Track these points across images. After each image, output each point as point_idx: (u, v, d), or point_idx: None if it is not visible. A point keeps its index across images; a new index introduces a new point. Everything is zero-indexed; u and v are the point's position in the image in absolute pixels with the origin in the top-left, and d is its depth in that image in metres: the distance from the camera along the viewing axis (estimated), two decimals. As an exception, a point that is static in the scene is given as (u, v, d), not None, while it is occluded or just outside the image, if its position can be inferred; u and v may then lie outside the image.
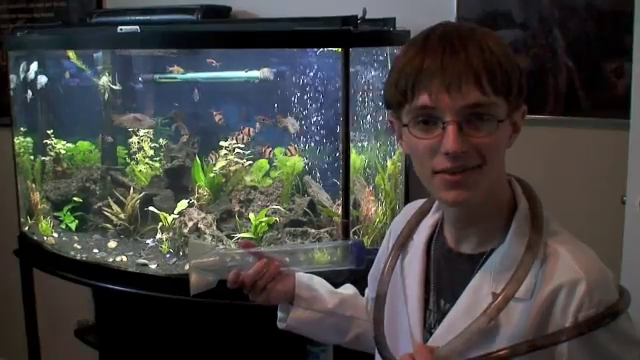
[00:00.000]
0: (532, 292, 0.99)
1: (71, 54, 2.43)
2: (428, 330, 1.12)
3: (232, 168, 2.25)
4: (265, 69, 2.17)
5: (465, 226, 1.10)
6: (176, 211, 2.24)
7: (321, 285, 1.38)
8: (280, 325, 1.36)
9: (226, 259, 1.29)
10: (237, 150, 2.23)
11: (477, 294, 1.05)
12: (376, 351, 1.19)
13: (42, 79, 2.48)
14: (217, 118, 2.29)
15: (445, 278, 1.13)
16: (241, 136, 2.22)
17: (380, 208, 2.18)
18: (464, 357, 1.00)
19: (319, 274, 1.39)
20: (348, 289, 1.43)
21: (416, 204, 1.27)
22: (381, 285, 1.22)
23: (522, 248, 1.02)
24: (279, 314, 1.36)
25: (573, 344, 0.97)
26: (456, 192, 1.00)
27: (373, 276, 1.33)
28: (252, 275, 1.26)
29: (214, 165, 2.25)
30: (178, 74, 2.32)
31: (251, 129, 2.22)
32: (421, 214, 1.23)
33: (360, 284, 1.42)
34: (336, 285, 1.43)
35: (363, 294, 1.42)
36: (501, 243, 1.06)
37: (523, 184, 1.11)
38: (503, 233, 1.06)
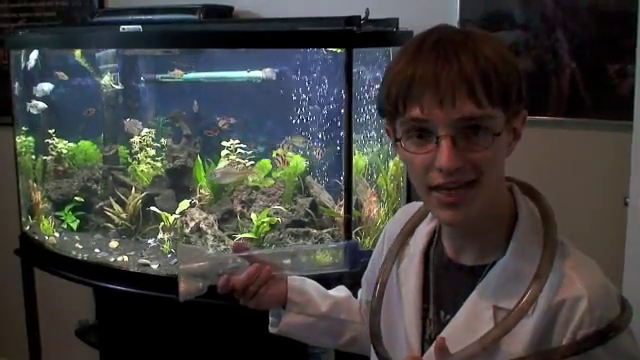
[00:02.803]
0: (533, 308, 0.97)
1: (73, 53, 2.42)
2: (428, 341, 1.10)
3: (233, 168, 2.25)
4: (267, 69, 2.17)
5: (463, 238, 1.08)
6: (178, 211, 2.24)
7: (314, 288, 1.34)
8: (272, 330, 1.34)
9: (216, 264, 1.25)
10: (239, 150, 2.23)
11: (477, 307, 1.03)
12: (372, 349, 1.18)
13: (45, 86, 2.48)
14: (221, 123, 2.29)
15: (445, 289, 1.11)
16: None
17: (382, 209, 2.17)
18: None
19: (313, 277, 1.37)
20: (341, 291, 1.40)
21: (412, 208, 1.24)
22: (379, 286, 1.20)
23: (525, 261, 1.00)
24: (270, 319, 1.34)
25: None
26: (452, 212, 0.98)
27: (367, 279, 1.32)
28: (243, 280, 1.21)
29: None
30: (180, 77, 2.31)
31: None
32: (419, 218, 1.20)
33: (355, 288, 1.41)
34: (329, 287, 1.41)
35: (356, 296, 1.40)
36: (502, 255, 1.04)
37: (540, 201, 1.08)
38: (504, 244, 1.04)
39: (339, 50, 1.92)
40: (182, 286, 1.23)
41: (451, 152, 0.93)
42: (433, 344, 1.00)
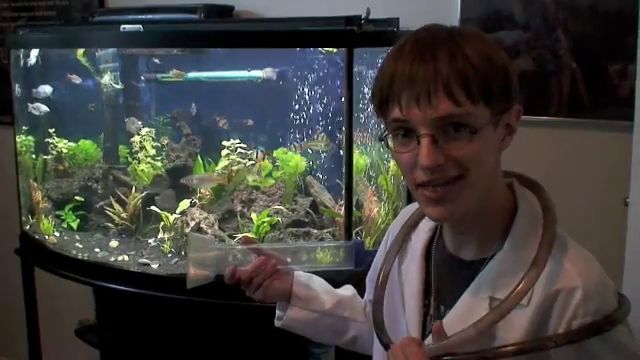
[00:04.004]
0: (529, 298, 0.98)
1: (75, 52, 2.42)
2: (428, 335, 1.10)
3: (234, 168, 2.25)
4: (268, 69, 2.17)
5: (462, 233, 1.09)
6: (178, 211, 2.24)
7: (320, 285, 1.36)
8: (277, 323, 1.36)
9: (224, 254, 1.28)
10: (239, 150, 2.23)
11: (474, 298, 1.04)
12: (374, 337, 1.18)
13: (47, 88, 2.47)
14: (221, 123, 2.29)
15: (446, 284, 1.12)
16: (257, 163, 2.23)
17: (382, 208, 2.17)
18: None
19: (318, 273, 1.38)
20: (347, 290, 1.42)
21: (414, 206, 1.25)
22: (382, 277, 1.21)
23: (523, 253, 1.01)
24: (277, 312, 1.36)
25: (565, 351, 0.96)
26: (438, 208, 0.99)
27: (371, 279, 1.32)
28: (249, 271, 1.25)
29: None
30: (179, 77, 2.31)
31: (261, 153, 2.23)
32: (419, 216, 1.21)
33: (360, 286, 1.41)
34: (336, 285, 1.42)
35: (362, 296, 1.41)
36: (501, 248, 1.04)
37: (541, 194, 1.08)
38: (503, 238, 1.05)
39: (336, 50, 1.92)
40: (190, 273, 1.26)
41: (430, 150, 0.95)
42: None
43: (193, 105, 2.37)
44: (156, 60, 2.40)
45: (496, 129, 1.00)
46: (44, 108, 2.49)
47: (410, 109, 0.95)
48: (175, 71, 2.31)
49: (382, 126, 1.07)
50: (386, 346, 1.11)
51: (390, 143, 1.01)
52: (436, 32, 1.00)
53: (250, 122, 2.28)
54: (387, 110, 0.99)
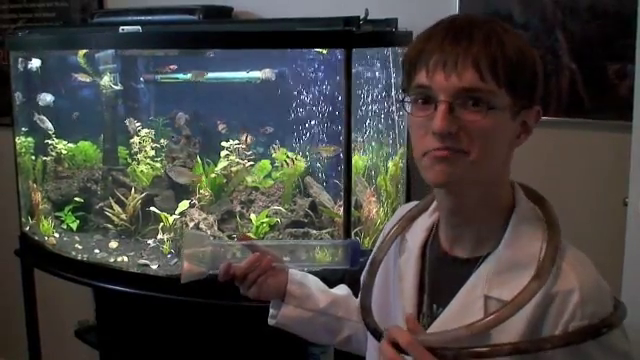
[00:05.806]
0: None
1: (75, 53, 2.42)
2: None
3: (233, 169, 2.25)
4: (267, 69, 2.17)
5: (460, 225, 1.09)
6: (177, 211, 2.24)
7: (314, 283, 1.36)
8: (270, 322, 1.35)
9: (219, 250, 1.28)
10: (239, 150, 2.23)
11: (469, 297, 1.04)
12: (368, 335, 1.18)
13: (48, 97, 2.48)
14: (220, 127, 2.29)
15: (440, 282, 1.12)
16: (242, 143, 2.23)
17: (382, 209, 2.17)
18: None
19: (313, 272, 1.38)
20: (342, 290, 1.42)
21: (409, 206, 1.26)
22: (373, 264, 1.21)
23: (520, 254, 1.02)
24: (270, 310, 1.35)
25: (560, 353, 0.96)
26: (440, 166, 0.99)
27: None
28: (243, 268, 1.24)
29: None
30: (201, 77, 2.30)
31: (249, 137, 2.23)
32: (417, 212, 1.22)
33: (355, 286, 1.41)
34: (330, 285, 1.42)
35: (356, 296, 1.40)
36: (497, 247, 1.05)
37: (546, 207, 1.08)
38: (500, 237, 1.05)
39: (338, 50, 1.92)
40: (185, 268, 1.25)
41: (445, 116, 0.96)
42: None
43: (180, 114, 2.37)
44: (163, 68, 2.40)
45: (514, 121, 1.01)
46: (49, 124, 2.49)
47: (436, 73, 0.97)
48: (201, 72, 2.29)
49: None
50: (373, 330, 1.12)
51: (408, 108, 1.03)
52: (473, 19, 1.02)
53: (270, 130, 2.27)
54: (414, 75, 1.00)
